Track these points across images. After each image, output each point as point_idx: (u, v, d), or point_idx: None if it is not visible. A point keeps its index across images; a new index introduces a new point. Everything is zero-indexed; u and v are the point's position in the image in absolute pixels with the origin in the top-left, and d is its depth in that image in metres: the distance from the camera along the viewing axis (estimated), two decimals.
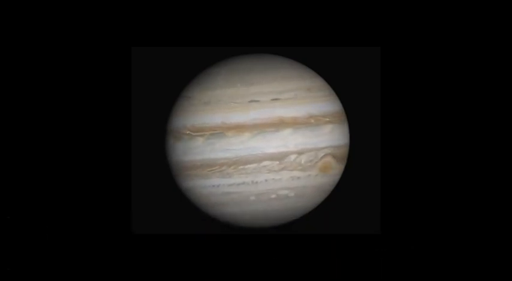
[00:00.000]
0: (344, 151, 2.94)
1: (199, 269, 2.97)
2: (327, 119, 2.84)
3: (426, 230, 2.88)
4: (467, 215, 2.87)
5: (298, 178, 2.79)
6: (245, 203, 2.84)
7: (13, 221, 2.82)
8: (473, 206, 2.86)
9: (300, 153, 2.77)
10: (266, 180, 2.78)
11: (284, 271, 2.96)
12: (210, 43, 3.02)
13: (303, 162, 2.77)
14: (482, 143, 2.87)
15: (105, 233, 2.87)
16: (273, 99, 2.77)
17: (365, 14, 2.95)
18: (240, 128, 2.75)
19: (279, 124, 2.75)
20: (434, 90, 2.90)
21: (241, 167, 2.77)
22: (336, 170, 2.91)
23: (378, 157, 2.98)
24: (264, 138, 2.74)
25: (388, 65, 2.94)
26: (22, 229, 2.82)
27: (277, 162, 2.75)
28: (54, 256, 2.83)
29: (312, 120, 2.79)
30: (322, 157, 2.81)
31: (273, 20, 2.99)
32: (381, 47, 2.95)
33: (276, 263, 2.97)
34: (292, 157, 2.76)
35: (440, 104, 2.90)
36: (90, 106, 2.89)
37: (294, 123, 2.76)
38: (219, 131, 2.78)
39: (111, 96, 2.91)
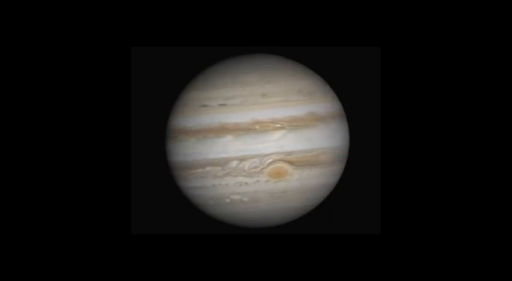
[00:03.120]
0: (311, 156, 2.86)
1: (199, 269, 2.97)
2: (278, 125, 2.81)
3: (426, 231, 2.88)
4: (468, 215, 2.87)
5: (246, 183, 2.80)
6: (208, 207, 2.91)
7: (12, 222, 2.81)
8: (474, 206, 2.86)
9: (241, 159, 2.77)
10: (214, 185, 2.82)
11: (284, 271, 2.96)
12: (210, 43, 3.02)
13: (246, 168, 2.78)
14: (483, 143, 2.87)
15: (104, 234, 2.87)
16: (220, 105, 2.79)
17: (365, 14, 2.95)
18: (188, 133, 2.82)
19: (220, 130, 2.77)
20: (434, 90, 2.90)
21: (191, 171, 2.84)
22: (296, 176, 2.84)
23: (378, 157, 2.98)
24: (205, 144, 2.78)
25: (388, 65, 2.94)
26: (21, 229, 2.82)
27: (220, 168, 2.78)
28: (53, 256, 2.83)
29: (257, 127, 2.79)
30: (270, 163, 2.80)
31: (273, 20, 3.00)
32: (381, 47, 2.95)
33: (275, 263, 2.97)
34: (234, 163, 2.77)
35: (440, 104, 2.90)
36: (90, 106, 2.89)
37: (236, 130, 2.77)
38: (175, 135, 2.87)
39: (111, 96, 2.91)
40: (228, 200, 2.83)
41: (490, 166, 2.86)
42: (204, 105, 2.81)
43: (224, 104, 2.79)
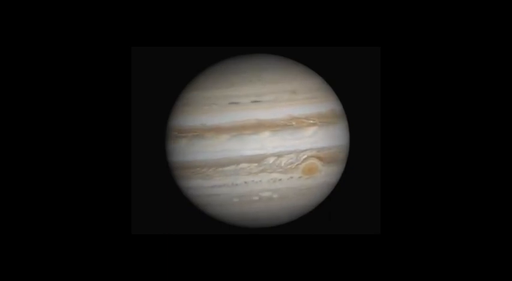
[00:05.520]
0: (331, 153, 2.92)
1: (199, 269, 2.97)
2: (311, 121, 2.83)
3: (426, 231, 2.88)
4: (468, 215, 2.87)
5: (280, 180, 2.80)
6: (229, 205, 2.86)
7: (13, 222, 2.81)
8: (474, 206, 2.86)
9: (279, 155, 2.77)
10: (246, 182, 2.79)
11: (284, 271, 2.96)
12: (210, 43, 3.02)
13: (283, 164, 2.78)
14: (483, 143, 2.87)
15: (104, 234, 2.87)
16: (253, 102, 2.78)
17: (365, 14, 2.95)
18: (218, 130, 2.78)
19: (256, 127, 2.76)
20: (434, 90, 2.91)
21: (220, 169, 2.79)
22: (323, 172, 2.89)
23: (378, 157, 2.98)
24: (241, 140, 2.76)
25: (388, 65, 2.94)
26: (22, 229, 2.82)
27: (256, 164, 2.77)
28: (54, 256, 2.83)
29: (294, 123, 2.79)
30: (304, 159, 2.81)
31: (273, 20, 3.00)
32: (381, 47, 2.95)
33: (276, 263, 2.97)
34: (271, 159, 2.77)
35: (440, 104, 2.90)
36: (90, 106, 2.89)
37: (273, 126, 2.77)
38: (199, 133, 2.81)
39: (111, 96, 2.91)
40: (256, 198, 2.83)
41: (490, 166, 2.86)
42: (234, 103, 2.79)
43: (258, 101, 2.79)
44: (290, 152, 2.78)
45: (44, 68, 2.87)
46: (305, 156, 2.81)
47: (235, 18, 2.99)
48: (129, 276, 2.89)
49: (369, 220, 3.09)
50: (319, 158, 2.84)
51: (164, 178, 3.07)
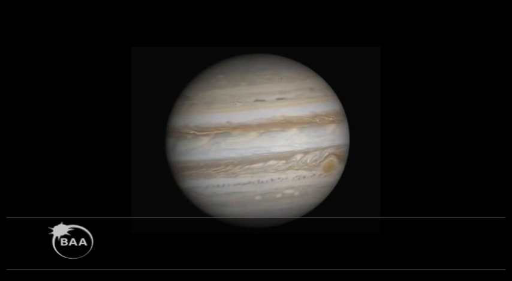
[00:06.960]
0: (345, 151, 2.96)
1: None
2: (330, 119, 2.86)
3: (426, 231, 2.88)
4: (468, 215, 2.87)
5: (304, 177, 2.81)
6: (250, 203, 2.85)
7: (12, 221, 2.81)
8: (474, 206, 2.86)
9: (305, 152, 2.78)
10: (272, 179, 2.79)
11: (284, 271, 2.96)
12: (210, 43, 3.02)
13: (308, 161, 2.79)
14: (483, 143, 2.87)
15: (104, 234, 2.87)
16: (278, 99, 2.79)
17: (365, 14, 2.95)
18: (245, 128, 2.77)
19: (284, 124, 2.76)
20: (434, 90, 2.91)
21: (247, 166, 2.78)
22: (337, 170, 2.92)
23: (378, 157, 2.98)
24: (270, 138, 2.76)
25: (388, 65, 2.94)
26: (21, 228, 2.82)
27: (284, 161, 2.77)
28: (53, 255, 2.83)
29: (317, 120, 2.81)
30: (326, 157, 2.82)
31: (273, 20, 3.00)
32: (381, 47, 2.95)
33: (276, 263, 2.97)
34: (298, 156, 2.77)
35: (440, 104, 2.90)
36: (90, 106, 2.89)
37: (300, 123, 2.78)
38: (224, 131, 2.79)
39: (111, 96, 2.91)
40: (279, 195, 2.82)
41: (490, 166, 2.86)
42: (260, 100, 2.79)
43: (282, 98, 2.79)
44: (315, 149, 2.81)
45: (45, 68, 2.87)
46: (327, 153, 2.83)
47: (235, 18, 2.99)
48: (129, 276, 2.89)
49: (369, 220, 3.09)
50: (337, 156, 2.88)
51: (164, 178, 3.07)
